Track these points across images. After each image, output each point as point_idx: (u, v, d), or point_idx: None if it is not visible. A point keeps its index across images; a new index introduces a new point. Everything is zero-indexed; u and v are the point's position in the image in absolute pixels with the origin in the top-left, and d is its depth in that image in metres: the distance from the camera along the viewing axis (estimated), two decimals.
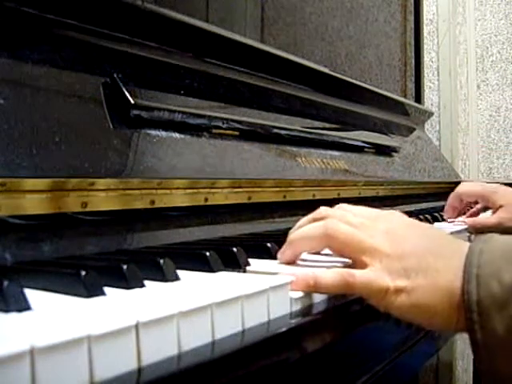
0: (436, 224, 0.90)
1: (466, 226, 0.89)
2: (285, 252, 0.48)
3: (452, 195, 0.97)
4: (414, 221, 0.48)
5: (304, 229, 0.47)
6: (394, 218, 0.48)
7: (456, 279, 0.41)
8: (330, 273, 0.42)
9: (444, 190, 1.33)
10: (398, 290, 0.41)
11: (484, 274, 0.40)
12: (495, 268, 0.39)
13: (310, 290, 0.41)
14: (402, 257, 0.43)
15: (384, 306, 0.42)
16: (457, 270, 0.41)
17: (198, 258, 0.44)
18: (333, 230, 0.45)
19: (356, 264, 0.44)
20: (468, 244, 0.43)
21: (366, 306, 0.43)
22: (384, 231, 0.45)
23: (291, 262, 0.48)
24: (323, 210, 0.49)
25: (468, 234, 0.86)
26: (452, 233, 0.78)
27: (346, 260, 0.47)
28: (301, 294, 0.40)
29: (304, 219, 0.49)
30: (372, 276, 0.42)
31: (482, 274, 0.40)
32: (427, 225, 0.50)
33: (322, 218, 0.47)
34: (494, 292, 0.39)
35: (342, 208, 0.50)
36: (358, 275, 0.42)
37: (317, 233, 0.46)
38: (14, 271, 0.41)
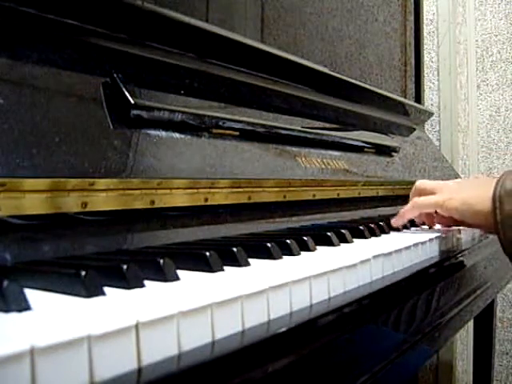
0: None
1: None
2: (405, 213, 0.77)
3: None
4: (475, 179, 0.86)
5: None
6: (461, 180, 0.86)
7: (491, 186, 0.66)
8: (407, 205, 0.77)
9: None
10: (450, 198, 0.71)
11: (506, 179, 0.66)
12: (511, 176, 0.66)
13: (399, 220, 0.77)
14: (454, 187, 0.74)
15: (446, 210, 0.72)
16: (492, 184, 0.66)
17: (197, 258, 0.44)
18: (419, 184, 0.79)
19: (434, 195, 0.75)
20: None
21: (365, 306, 0.43)
22: (452, 181, 0.79)
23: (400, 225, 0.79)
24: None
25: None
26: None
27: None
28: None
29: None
30: (434, 197, 0.74)
31: (505, 180, 0.66)
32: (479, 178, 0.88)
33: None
34: (507, 187, 0.65)
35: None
36: (422, 198, 0.75)
37: (411, 192, 0.80)
38: (13, 271, 0.41)
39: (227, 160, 0.67)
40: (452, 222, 0.79)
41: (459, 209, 0.70)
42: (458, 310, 0.70)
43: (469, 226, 0.77)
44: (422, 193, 0.76)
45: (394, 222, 0.77)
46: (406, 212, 0.76)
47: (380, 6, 1.33)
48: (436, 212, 0.80)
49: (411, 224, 0.84)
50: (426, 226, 0.85)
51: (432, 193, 0.75)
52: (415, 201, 0.75)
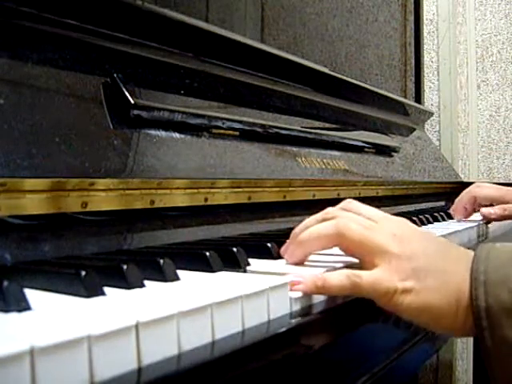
0: (436, 224, 0.90)
1: (476, 223, 0.89)
2: (294, 252, 0.47)
3: (466, 196, 0.96)
4: (418, 227, 0.48)
5: (314, 228, 0.46)
6: (400, 221, 0.47)
7: (464, 282, 0.41)
8: (336, 274, 0.42)
9: (444, 190, 1.33)
10: (406, 291, 0.41)
11: (491, 280, 0.40)
12: (502, 274, 0.40)
13: (319, 291, 0.41)
14: (411, 258, 0.43)
15: (392, 306, 0.42)
16: (464, 273, 0.42)
17: (198, 257, 0.44)
18: (344, 230, 0.44)
19: (365, 264, 0.44)
20: (472, 251, 0.44)
21: (365, 306, 0.43)
22: (392, 233, 0.44)
23: (300, 263, 0.47)
24: (331, 210, 0.49)
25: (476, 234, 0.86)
26: (465, 229, 0.79)
27: (350, 259, 0.47)
28: (300, 294, 0.40)
29: (311, 219, 0.48)
30: (379, 276, 0.42)
31: (489, 281, 0.40)
32: (430, 232, 0.50)
33: (331, 218, 0.47)
34: (502, 299, 0.39)
35: (349, 207, 0.49)
36: (365, 276, 0.42)
37: (328, 232, 0.45)
38: (14, 271, 0.41)
39: (227, 160, 0.67)
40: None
41: (416, 313, 0.42)
42: None
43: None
44: (349, 247, 0.45)
45: (304, 287, 0.41)
46: (332, 287, 0.42)
47: (380, 6, 1.33)
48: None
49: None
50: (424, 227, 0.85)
51: (362, 255, 0.45)
52: (356, 281, 0.42)
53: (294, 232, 0.49)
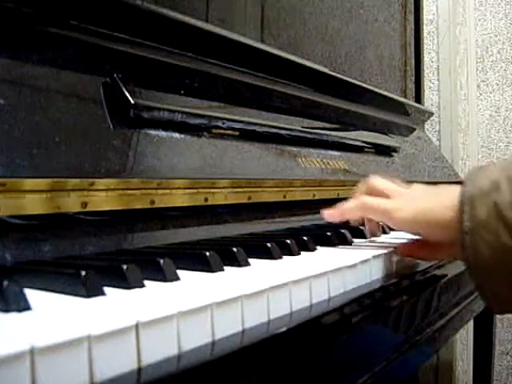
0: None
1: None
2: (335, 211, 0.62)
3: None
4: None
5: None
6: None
7: (455, 191, 0.50)
8: (351, 200, 0.60)
9: None
10: (402, 208, 0.55)
11: (477, 177, 0.49)
12: (487, 172, 0.49)
13: (335, 214, 0.61)
14: (411, 194, 0.58)
15: (394, 221, 0.56)
16: (457, 188, 0.50)
17: (198, 257, 0.44)
18: (374, 181, 0.61)
19: None
20: None
21: (364, 307, 0.43)
22: (410, 187, 0.60)
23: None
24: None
25: None
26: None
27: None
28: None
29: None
30: (387, 202, 0.57)
31: (476, 177, 0.49)
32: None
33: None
34: (481, 185, 0.48)
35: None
36: (371, 199, 0.58)
37: (360, 187, 0.62)
38: (14, 271, 0.41)
39: (227, 160, 0.67)
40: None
41: (410, 220, 0.54)
42: (457, 310, 0.70)
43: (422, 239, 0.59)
44: (373, 192, 0.60)
45: (328, 214, 0.62)
46: (347, 210, 0.61)
47: (380, 6, 1.33)
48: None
49: None
50: None
51: (384, 195, 0.59)
52: (363, 200, 0.59)
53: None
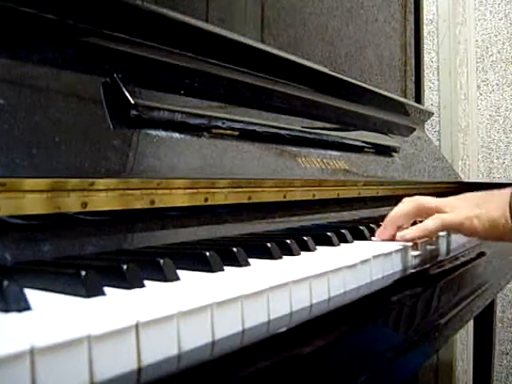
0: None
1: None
2: (385, 230, 0.66)
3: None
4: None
5: (396, 209, 0.67)
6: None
7: (506, 202, 0.63)
8: (429, 220, 0.65)
9: (444, 190, 1.33)
10: (477, 215, 0.64)
11: None
12: None
13: (423, 232, 0.64)
14: (470, 202, 0.67)
15: (473, 229, 0.64)
16: (507, 197, 0.63)
17: (198, 257, 0.44)
18: (423, 200, 0.68)
19: None
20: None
21: (364, 307, 0.43)
22: (453, 198, 0.69)
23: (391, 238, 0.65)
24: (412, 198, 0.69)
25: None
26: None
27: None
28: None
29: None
30: (456, 215, 0.65)
31: None
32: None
33: (408, 201, 0.68)
34: None
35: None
36: (447, 215, 0.65)
37: (409, 206, 0.67)
38: (14, 271, 0.41)
39: (227, 160, 0.67)
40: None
41: (485, 229, 0.64)
42: (457, 310, 0.70)
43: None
44: (429, 211, 0.66)
45: (410, 236, 0.64)
46: (429, 230, 0.65)
47: (380, 6, 1.33)
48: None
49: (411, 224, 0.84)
50: None
51: (440, 211, 0.66)
52: (443, 218, 0.65)
53: (385, 220, 0.67)
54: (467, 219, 0.64)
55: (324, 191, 0.83)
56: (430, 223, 0.64)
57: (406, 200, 0.68)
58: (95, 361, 0.25)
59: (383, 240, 0.65)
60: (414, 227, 0.65)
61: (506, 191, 0.65)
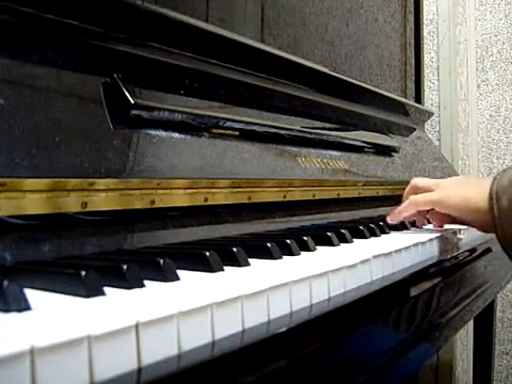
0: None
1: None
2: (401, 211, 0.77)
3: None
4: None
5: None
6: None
7: (487, 185, 0.67)
8: (404, 202, 0.76)
9: None
10: (451, 194, 0.71)
11: (503, 176, 0.66)
12: (508, 173, 0.66)
13: (394, 217, 0.77)
14: (451, 183, 0.76)
15: (445, 206, 0.72)
16: (489, 182, 0.67)
17: (198, 257, 0.44)
18: (416, 181, 0.79)
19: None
20: None
21: (364, 307, 0.43)
22: (446, 179, 0.80)
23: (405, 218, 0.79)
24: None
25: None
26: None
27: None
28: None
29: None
30: (433, 193, 0.74)
31: (501, 178, 0.66)
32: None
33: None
34: (503, 183, 0.65)
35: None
36: (421, 195, 0.75)
37: (407, 189, 0.80)
38: (14, 271, 0.41)
39: (227, 160, 0.67)
40: (447, 220, 0.78)
41: (458, 205, 0.70)
42: (457, 310, 0.70)
43: (465, 223, 0.76)
44: (418, 191, 0.76)
45: (390, 218, 0.77)
46: (403, 210, 0.76)
47: (380, 6, 1.33)
48: (428, 211, 0.78)
49: (411, 224, 0.84)
50: (427, 226, 0.85)
51: (428, 190, 0.75)
52: (412, 198, 0.75)
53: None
54: (442, 197, 0.72)
55: (324, 191, 0.83)
56: (404, 204, 0.76)
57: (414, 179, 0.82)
58: (95, 361, 0.25)
59: (390, 221, 0.77)
60: (404, 204, 0.76)
61: (486, 181, 0.69)
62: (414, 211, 0.77)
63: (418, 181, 0.79)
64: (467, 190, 0.71)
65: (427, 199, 0.74)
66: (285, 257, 0.51)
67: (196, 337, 0.31)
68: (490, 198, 0.65)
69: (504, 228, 0.64)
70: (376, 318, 0.48)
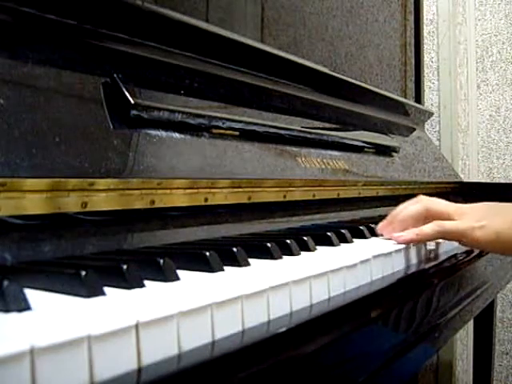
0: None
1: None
2: (395, 228, 0.65)
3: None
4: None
5: (406, 210, 0.66)
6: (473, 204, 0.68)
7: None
8: (428, 225, 0.62)
9: (444, 189, 1.33)
10: (481, 226, 0.62)
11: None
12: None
13: (418, 238, 0.62)
14: (479, 212, 0.64)
15: (473, 241, 0.63)
16: None
17: (198, 257, 0.44)
18: (430, 203, 0.66)
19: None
20: None
21: (364, 307, 0.43)
22: (466, 205, 0.66)
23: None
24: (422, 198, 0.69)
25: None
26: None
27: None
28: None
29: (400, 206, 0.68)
30: (459, 223, 0.63)
31: None
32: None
33: (417, 202, 0.67)
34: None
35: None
36: (448, 223, 0.63)
37: (418, 209, 0.65)
38: (14, 271, 0.41)
39: (227, 160, 0.67)
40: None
41: (489, 240, 0.62)
42: (457, 310, 0.70)
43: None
44: (436, 216, 0.64)
45: (404, 239, 0.62)
46: (425, 235, 0.62)
47: (380, 6, 1.33)
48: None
49: None
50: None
51: (449, 217, 0.64)
52: (443, 225, 0.63)
53: (391, 214, 0.67)
54: (469, 229, 0.62)
55: (324, 191, 0.83)
56: (429, 229, 0.62)
57: (415, 200, 0.67)
58: (95, 361, 0.25)
59: (402, 241, 0.62)
60: (411, 230, 0.63)
61: None
62: (438, 238, 0.66)
63: (430, 204, 0.66)
64: (499, 220, 0.62)
65: (444, 231, 0.63)
66: (285, 257, 0.51)
67: (196, 337, 0.31)
68: None
69: None
70: (376, 318, 0.48)
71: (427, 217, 0.64)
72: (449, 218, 0.64)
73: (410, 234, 0.62)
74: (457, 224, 0.63)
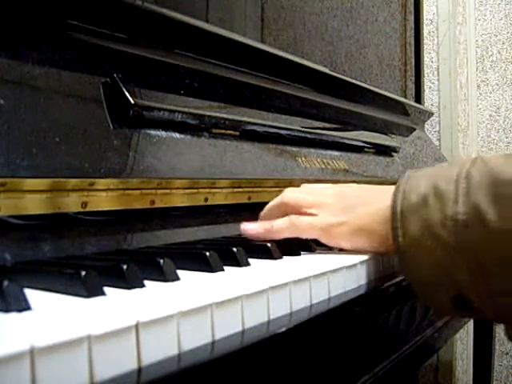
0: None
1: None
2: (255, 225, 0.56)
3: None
4: (366, 185, 0.57)
5: (268, 205, 0.58)
6: (346, 186, 0.57)
7: (387, 201, 0.48)
8: (281, 219, 0.53)
9: None
10: (341, 223, 0.51)
11: (407, 189, 0.47)
12: (415, 183, 0.47)
13: (268, 233, 0.53)
14: (343, 201, 0.53)
15: (333, 239, 0.52)
16: (388, 198, 0.48)
17: (198, 257, 0.44)
18: (287, 197, 0.56)
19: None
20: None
21: (364, 307, 0.43)
22: (332, 192, 0.55)
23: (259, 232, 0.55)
24: (287, 189, 0.58)
25: None
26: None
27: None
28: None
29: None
30: (316, 218, 0.52)
31: (406, 190, 0.47)
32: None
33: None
34: (412, 200, 0.46)
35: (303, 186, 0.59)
36: (304, 218, 0.52)
37: (275, 203, 0.57)
38: (13, 271, 0.41)
39: (227, 160, 0.67)
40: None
41: (350, 238, 0.51)
42: None
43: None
44: (295, 209, 0.54)
45: (252, 231, 0.55)
46: (277, 230, 0.54)
47: (380, 6, 1.33)
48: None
49: None
50: None
51: (306, 210, 0.53)
52: (294, 222, 0.53)
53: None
54: (325, 228, 0.51)
55: None
56: (282, 224, 0.53)
57: (286, 190, 0.58)
58: (95, 361, 0.25)
59: (250, 234, 0.55)
60: (263, 223, 0.55)
61: (389, 188, 0.50)
62: (289, 235, 0.54)
63: (288, 194, 0.56)
64: (360, 212, 0.51)
65: (314, 228, 0.52)
66: (285, 257, 0.51)
67: (196, 337, 0.31)
68: (393, 219, 0.47)
69: (412, 263, 0.46)
70: (376, 317, 0.48)
71: (286, 210, 0.55)
72: (307, 212, 0.53)
73: (260, 227, 0.54)
74: (311, 221, 0.52)
